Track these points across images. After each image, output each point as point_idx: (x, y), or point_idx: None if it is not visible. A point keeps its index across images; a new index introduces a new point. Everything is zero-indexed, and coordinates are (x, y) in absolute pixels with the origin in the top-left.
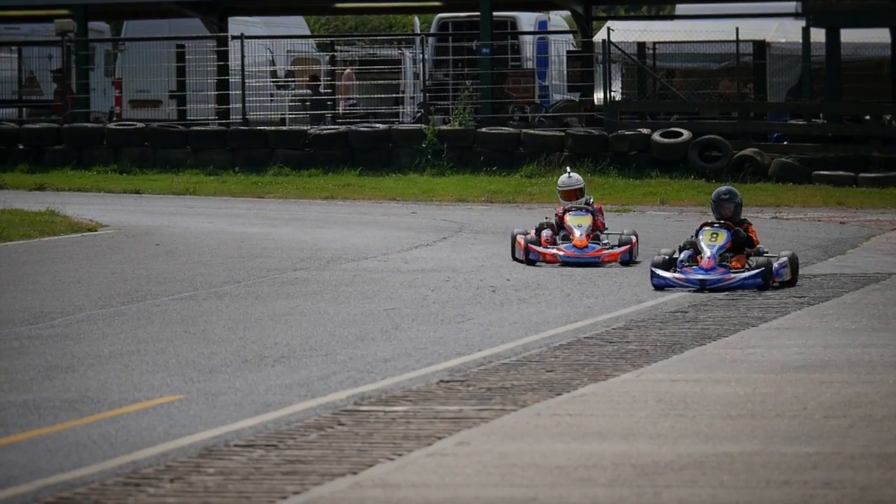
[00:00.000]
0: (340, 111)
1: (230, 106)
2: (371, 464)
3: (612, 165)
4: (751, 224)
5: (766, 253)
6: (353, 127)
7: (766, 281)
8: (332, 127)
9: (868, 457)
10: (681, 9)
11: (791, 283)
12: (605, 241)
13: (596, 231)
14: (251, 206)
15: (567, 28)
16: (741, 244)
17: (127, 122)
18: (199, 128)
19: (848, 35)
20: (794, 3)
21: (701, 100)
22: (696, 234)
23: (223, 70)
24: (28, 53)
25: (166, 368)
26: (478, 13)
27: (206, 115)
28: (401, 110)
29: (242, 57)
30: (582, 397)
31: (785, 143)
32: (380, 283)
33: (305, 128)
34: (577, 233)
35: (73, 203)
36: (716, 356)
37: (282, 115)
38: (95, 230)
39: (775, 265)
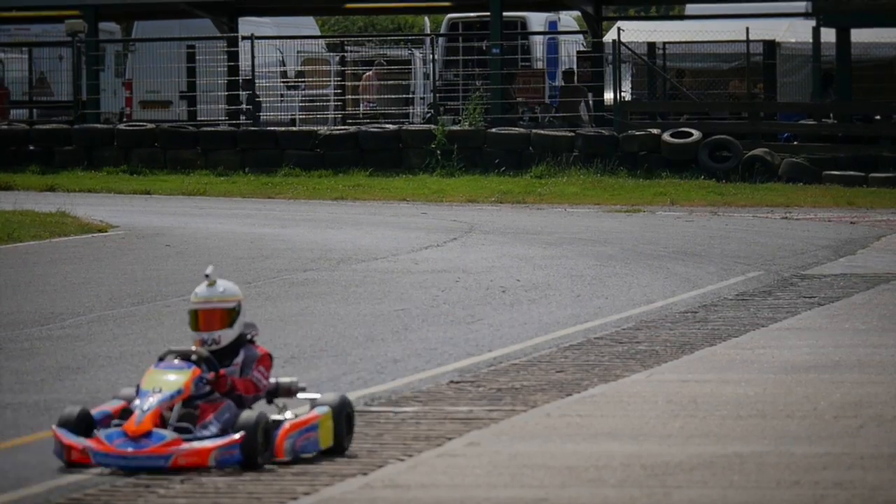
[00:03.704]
0: (361, 112)
1: (240, 107)
2: (381, 464)
3: (621, 166)
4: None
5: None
6: (363, 128)
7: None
8: (343, 128)
9: (878, 457)
10: (691, 9)
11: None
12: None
13: (202, 399)
14: (261, 207)
15: (577, 28)
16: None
17: (137, 123)
18: (209, 128)
19: (858, 35)
20: (804, 3)
21: (711, 100)
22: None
23: (233, 70)
24: (39, 54)
25: None
26: (488, 13)
27: (217, 115)
28: (411, 111)
29: (253, 57)
30: (592, 398)
31: (795, 143)
32: (390, 283)
33: (316, 128)
34: (140, 406)
35: (84, 204)
36: (726, 357)
37: (292, 115)
38: (105, 231)
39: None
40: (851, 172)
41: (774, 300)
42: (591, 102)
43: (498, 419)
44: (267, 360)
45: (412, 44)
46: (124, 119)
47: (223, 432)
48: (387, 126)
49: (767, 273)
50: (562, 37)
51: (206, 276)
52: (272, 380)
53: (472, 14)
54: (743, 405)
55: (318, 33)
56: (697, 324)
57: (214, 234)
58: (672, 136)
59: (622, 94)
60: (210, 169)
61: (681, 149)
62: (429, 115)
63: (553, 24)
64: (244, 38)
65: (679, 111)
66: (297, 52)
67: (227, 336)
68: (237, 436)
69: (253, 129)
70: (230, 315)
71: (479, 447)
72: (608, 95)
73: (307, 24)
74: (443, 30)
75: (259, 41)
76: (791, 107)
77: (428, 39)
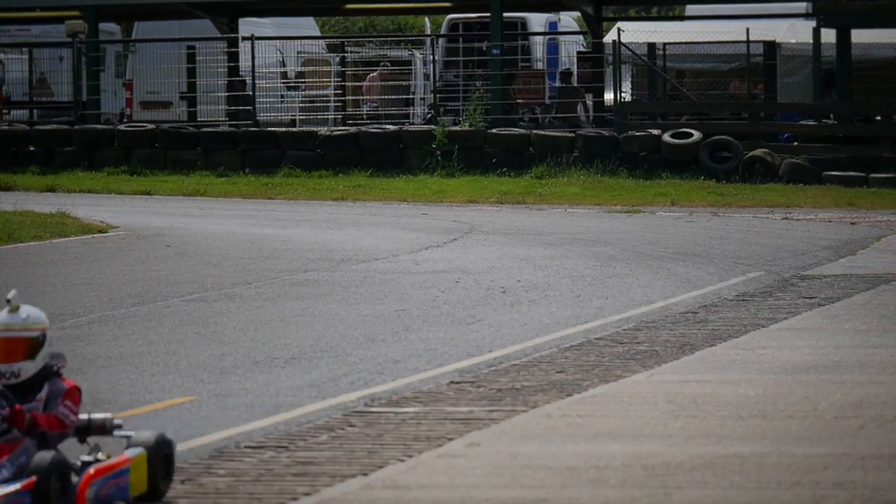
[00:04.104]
0: (364, 113)
1: (240, 108)
2: (382, 465)
3: (622, 166)
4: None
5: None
6: (363, 128)
7: None
8: (343, 128)
9: (879, 457)
10: (691, 9)
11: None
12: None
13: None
14: (261, 208)
15: (577, 29)
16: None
17: (137, 124)
18: (209, 129)
19: (859, 35)
20: (804, 4)
21: (711, 100)
22: None
23: (234, 71)
24: (39, 55)
25: (177, 370)
26: (488, 14)
27: (217, 116)
28: (411, 111)
29: (253, 58)
30: (592, 398)
31: (795, 143)
32: (390, 284)
33: (316, 129)
34: None
35: (84, 204)
36: (726, 357)
37: (292, 116)
38: (106, 232)
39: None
40: (852, 173)
41: (775, 301)
42: (588, 103)
43: (498, 420)
44: (75, 394)
45: (412, 44)
46: (125, 120)
47: (18, 476)
48: (387, 127)
49: (768, 273)
50: (562, 37)
51: (8, 300)
52: (83, 416)
53: (472, 15)
54: (743, 406)
55: (319, 34)
56: (698, 324)
57: (215, 235)
58: (672, 136)
59: (622, 94)
60: (210, 169)
61: (681, 149)
62: (429, 115)
63: (553, 25)
64: (244, 38)
65: (679, 112)
66: (298, 52)
67: (28, 369)
68: (21, 484)
69: (253, 129)
70: (33, 345)
71: (480, 448)
72: (608, 96)
73: (307, 25)
74: (443, 30)
75: (259, 42)
76: (791, 107)
77: (428, 40)
